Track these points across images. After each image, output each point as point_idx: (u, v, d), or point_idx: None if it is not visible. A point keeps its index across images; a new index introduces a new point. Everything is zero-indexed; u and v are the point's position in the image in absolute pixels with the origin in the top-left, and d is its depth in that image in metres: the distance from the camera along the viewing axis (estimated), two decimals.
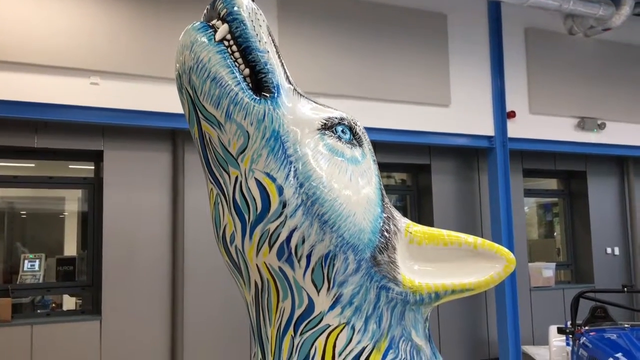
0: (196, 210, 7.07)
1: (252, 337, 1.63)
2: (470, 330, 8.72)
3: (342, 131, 1.59)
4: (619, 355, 5.14)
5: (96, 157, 7.18)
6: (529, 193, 10.06)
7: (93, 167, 7.31)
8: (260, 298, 1.57)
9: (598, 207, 10.06)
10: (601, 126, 9.43)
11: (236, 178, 1.49)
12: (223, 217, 1.55)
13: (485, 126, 8.67)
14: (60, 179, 7.28)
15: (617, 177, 10.37)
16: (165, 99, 6.63)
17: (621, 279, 9.77)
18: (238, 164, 1.48)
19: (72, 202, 8.26)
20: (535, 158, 9.56)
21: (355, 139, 1.63)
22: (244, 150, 1.47)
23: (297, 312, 1.51)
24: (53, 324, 6.56)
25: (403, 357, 1.55)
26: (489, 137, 8.69)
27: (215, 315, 7.12)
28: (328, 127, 1.57)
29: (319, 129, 1.55)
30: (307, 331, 1.50)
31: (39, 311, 7.13)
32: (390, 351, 1.53)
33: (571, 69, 9.47)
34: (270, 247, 1.48)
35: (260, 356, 1.60)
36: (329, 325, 1.50)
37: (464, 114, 8.52)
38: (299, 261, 1.48)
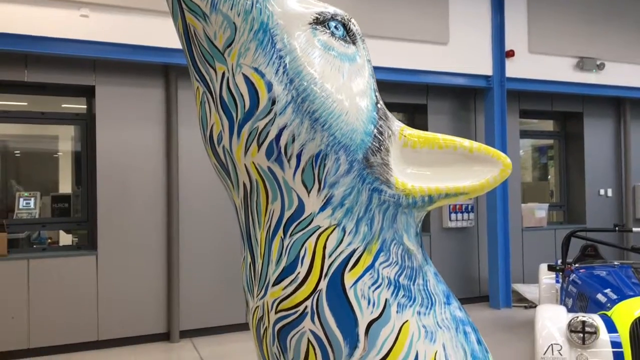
0: (190, 146, 7.03)
1: (242, 241, 1.62)
2: (462, 268, 8.85)
3: (335, 27, 1.52)
4: (607, 291, 5.20)
5: (88, 93, 7.08)
6: (524, 134, 10.02)
7: (85, 104, 7.21)
8: (249, 200, 1.54)
9: (593, 149, 10.06)
10: (600, 66, 9.31)
11: (223, 74, 1.43)
12: (210, 116, 1.49)
13: (483, 65, 8.54)
14: (52, 114, 7.19)
15: (613, 118, 10.32)
16: (157, 33, 6.49)
17: (613, 220, 9.87)
18: (225, 58, 1.42)
19: (65, 140, 8.21)
20: (533, 98, 9.47)
21: (349, 36, 1.56)
22: (230, 44, 1.41)
23: (287, 214, 1.48)
24: (49, 258, 6.61)
25: (394, 260, 1.54)
26: (486, 77, 8.58)
27: (211, 248, 7.19)
28: (320, 22, 1.50)
29: (310, 24, 1.48)
30: (296, 233, 1.48)
31: (35, 246, 7.18)
32: (381, 254, 1.52)
33: (572, 6, 9.27)
34: (259, 146, 1.43)
35: (249, 259, 1.58)
36: (319, 227, 1.47)
37: (463, 52, 8.38)
38: (288, 161, 1.44)
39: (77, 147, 7.30)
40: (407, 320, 1.52)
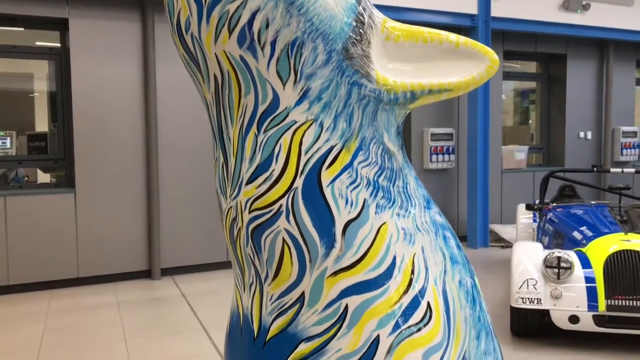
0: (168, 82, 6.87)
1: (213, 141, 1.55)
2: (441, 209, 8.71)
3: None
4: (583, 228, 5.29)
5: (61, 26, 6.83)
6: (507, 76, 9.96)
7: (59, 40, 6.95)
8: (220, 94, 1.45)
9: (575, 92, 10.05)
10: (585, 7, 9.19)
11: None
12: (177, 0, 1.39)
13: (468, 3, 8.37)
14: (24, 48, 6.94)
15: (596, 61, 10.27)
16: None
17: (592, 162, 9.98)
18: None
19: (40, 78, 7.97)
20: (517, 39, 9.36)
21: None
22: None
23: (261, 108, 1.41)
24: (26, 196, 6.52)
25: (374, 160, 1.49)
26: (471, 16, 8.42)
27: (192, 186, 7.14)
28: None
29: None
30: (271, 128, 1.41)
31: (11, 184, 7.06)
32: (360, 152, 1.46)
33: None
34: (230, 32, 1.34)
35: (222, 159, 1.52)
36: (295, 122, 1.40)
37: None
38: (262, 49, 1.36)
39: (52, 85, 7.11)
40: (385, 222, 1.49)
